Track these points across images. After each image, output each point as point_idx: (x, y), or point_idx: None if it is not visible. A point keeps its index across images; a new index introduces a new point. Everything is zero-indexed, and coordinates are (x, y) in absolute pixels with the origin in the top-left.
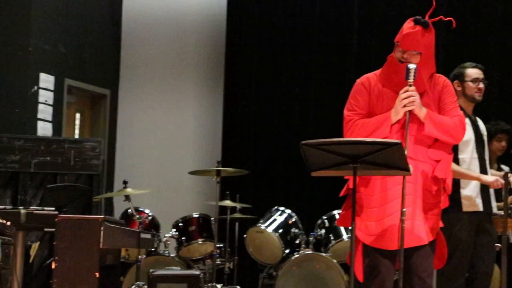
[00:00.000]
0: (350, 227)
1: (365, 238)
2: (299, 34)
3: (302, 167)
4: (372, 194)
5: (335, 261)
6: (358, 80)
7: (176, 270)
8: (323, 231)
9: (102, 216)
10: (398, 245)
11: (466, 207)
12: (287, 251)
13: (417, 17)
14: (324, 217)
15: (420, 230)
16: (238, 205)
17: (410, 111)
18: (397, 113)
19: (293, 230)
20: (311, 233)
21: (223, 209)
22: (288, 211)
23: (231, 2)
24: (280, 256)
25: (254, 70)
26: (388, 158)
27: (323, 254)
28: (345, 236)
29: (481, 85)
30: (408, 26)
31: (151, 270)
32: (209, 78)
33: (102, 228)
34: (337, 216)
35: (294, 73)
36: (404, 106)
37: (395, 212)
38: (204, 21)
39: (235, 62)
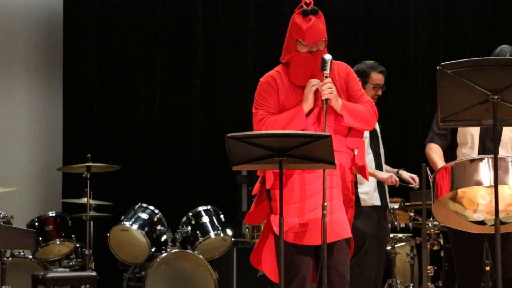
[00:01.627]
0: (258, 224)
1: (286, 235)
2: (142, 28)
3: (161, 164)
4: (292, 189)
5: (201, 257)
6: (262, 80)
7: (65, 272)
8: (189, 228)
9: None
10: (321, 240)
11: (365, 202)
12: (153, 249)
13: (304, 8)
14: (190, 214)
15: (342, 223)
16: (93, 203)
17: (327, 103)
18: (307, 103)
19: (158, 227)
20: (178, 231)
21: (79, 207)
22: (152, 207)
23: None
24: (147, 255)
25: (95, 66)
26: (316, 151)
27: (192, 252)
28: (212, 233)
29: (380, 92)
30: (301, 20)
31: (36, 273)
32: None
33: None
34: (203, 213)
35: (138, 68)
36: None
37: (317, 207)
38: (38, 14)
39: (74, 57)
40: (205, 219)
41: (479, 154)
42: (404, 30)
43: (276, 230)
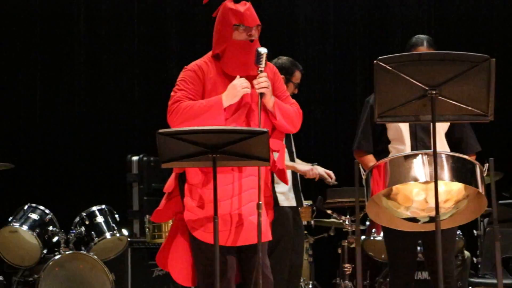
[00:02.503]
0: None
1: (204, 236)
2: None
3: (47, 162)
4: (211, 188)
5: (97, 258)
6: (187, 66)
7: None
8: (83, 228)
9: None
10: (244, 241)
11: (282, 202)
12: (45, 251)
13: None
14: (84, 214)
15: (265, 225)
16: None
17: (262, 97)
18: (233, 96)
19: (50, 228)
20: (71, 231)
21: None
22: (42, 208)
23: None
24: (38, 257)
25: None
26: (251, 148)
27: (87, 253)
28: (107, 233)
29: (297, 91)
30: (236, 5)
31: None
32: None
33: None
34: (97, 213)
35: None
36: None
37: (241, 207)
38: None
39: None
40: (100, 219)
41: (411, 146)
42: None
43: (192, 230)
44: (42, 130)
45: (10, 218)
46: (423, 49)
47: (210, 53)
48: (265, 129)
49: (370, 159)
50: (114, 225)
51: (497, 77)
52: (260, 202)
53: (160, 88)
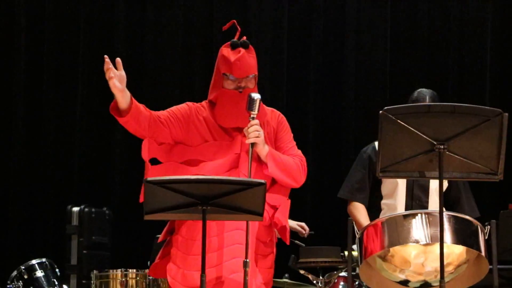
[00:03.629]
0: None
1: None
2: None
3: None
4: (195, 239)
5: None
6: (187, 103)
7: None
8: (20, 283)
9: None
10: None
11: None
12: None
13: (233, 40)
14: (22, 267)
15: (250, 285)
16: None
17: (253, 147)
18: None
19: None
20: (8, 287)
21: None
22: None
23: None
24: None
25: None
26: (245, 200)
27: None
28: None
29: None
30: (229, 52)
31: None
32: None
33: None
34: (37, 266)
35: None
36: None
37: (223, 262)
38: None
39: None
40: (39, 273)
41: (406, 203)
42: None
43: (171, 282)
44: None
45: None
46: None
47: (207, 98)
48: (262, 181)
49: (361, 210)
50: (55, 280)
51: None
52: (247, 260)
53: (105, 136)
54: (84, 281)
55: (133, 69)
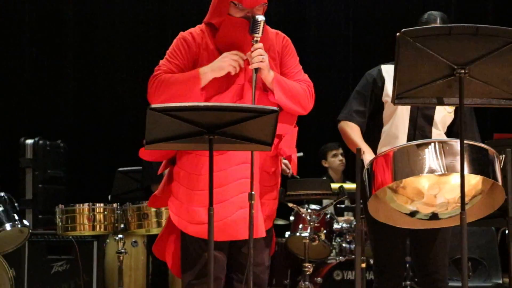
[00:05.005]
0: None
1: (187, 227)
2: None
3: None
4: (200, 173)
5: None
6: (181, 34)
7: None
8: None
9: None
10: (230, 236)
11: None
12: None
13: None
14: None
15: (256, 220)
16: None
17: (257, 72)
18: (219, 69)
19: None
20: None
21: None
22: None
23: None
24: None
25: None
26: (254, 129)
27: None
28: (7, 224)
29: None
30: None
31: None
32: None
33: None
34: None
35: None
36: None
37: (229, 198)
38: None
39: None
40: None
41: (408, 134)
42: None
43: (173, 218)
44: None
45: None
46: (437, 25)
47: (205, 19)
48: (275, 108)
49: (357, 133)
50: (15, 215)
51: None
52: (253, 193)
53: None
54: (40, 216)
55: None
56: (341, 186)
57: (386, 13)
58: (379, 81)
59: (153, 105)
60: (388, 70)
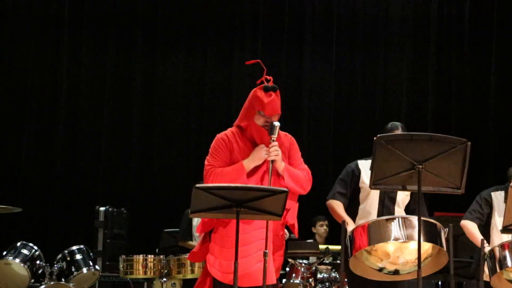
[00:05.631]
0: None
1: (218, 275)
2: (15, 79)
3: (38, 203)
4: (229, 236)
5: None
6: (218, 136)
7: None
8: (64, 263)
9: None
10: (252, 283)
11: None
12: (32, 281)
13: (265, 85)
14: (66, 251)
15: (270, 270)
16: None
17: (273, 163)
18: (258, 159)
19: (38, 262)
20: (55, 266)
21: None
22: (31, 244)
23: None
24: (26, 286)
25: None
26: (269, 204)
27: (67, 284)
28: (84, 268)
29: None
30: (263, 94)
31: None
32: None
33: None
34: (76, 251)
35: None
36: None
37: (252, 254)
38: None
39: None
40: (78, 256)
41: (378, 211)
42: None
43: (210, 269)
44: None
45: (5, 253)
46: (399, 132)
47: (236, 122)
48: (285, 189)
49: (341, 208)
50: (90, 261)
51: None
52: (266, 251)
53: (124, 151)
54: (107, 263)
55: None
56: (327, 247)
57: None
58: (357, 172)
59: (197, 185)
60: (363, 164)
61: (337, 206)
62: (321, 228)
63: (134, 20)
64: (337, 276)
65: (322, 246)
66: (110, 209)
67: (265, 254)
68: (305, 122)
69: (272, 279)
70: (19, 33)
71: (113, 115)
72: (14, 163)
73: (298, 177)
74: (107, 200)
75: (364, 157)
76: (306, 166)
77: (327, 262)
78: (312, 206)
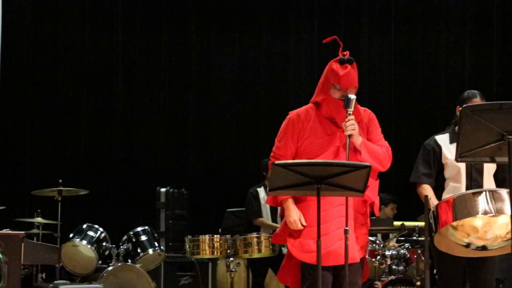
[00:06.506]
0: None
1: (300, 255)
2: (71, 65)
3: (99, 186)
4: (308, 214)
5: (142, 269)
6: (289, 115)
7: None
8: (130, 244)
9: (23, 232)
10: (334, 262)
11: None
12: (99, 262)
13: (341, 57)
14: (131, 233)
15: (352, 248)
16: (42, 221)
17: (349, 138)
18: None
19: (104, 244)
20: (121, 247)
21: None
22: (97, 226)
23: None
24: (94, 267)
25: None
26: (351, 180)
27: (134, 265)
28: (150, 249)
29: None
30: (338, 67)
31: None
32: None
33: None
34: (141, 232)
35: (65, 100)
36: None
37: (331, 232)
38: None
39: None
40: (143, 237)
41: (466, 185)
42: None
43: (291, 249)
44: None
45: (71, 235)
46: (478, 100)
47: (312, 98)
48: (368, 164)
49: (429, 190)
50: (155, 242)
51: None
52: (347, 228)
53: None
54: (170, 244)
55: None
56: (402, 224)
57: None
58: (437, 148)
59: (276, 162)
60: (442, 139)
61: (425, 191)
62: (391, 211)
63: (186, 5)
64: (406, 253)
65: (397, 223)
66: (170, 190)
67: (345, 232)
68: (365, 99)
69: (354, 257)
70: (75, 23)
71: (169, 97)
72: (74, 147)
73: (376, 152)
74: (167, 181)
75: (439, 132)
76: (386, 143)
77: (402, 239)
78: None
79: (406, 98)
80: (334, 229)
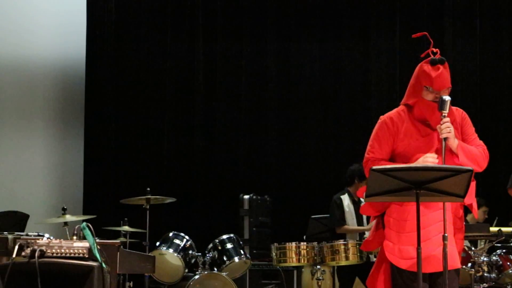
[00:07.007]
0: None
1: (400, 262)
2: (153, 75)
3: (183, 194)
4: (406, 219)
5: (229, 278)
6: (382, 118)
7: None
8: (215, 252)
9: (119, 241)
10: (434, 268)
11: None
12: (186, 270)
13: (432, 58)
14: (216, 241)
15: (452, 255)
16: (129, 230)
17: (445, 141)
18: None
19: (190, 252)
20: (207, 255)
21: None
22: (183, 234)
23: (90, 47)
24: (181, 276)
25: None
26: (451, 185)
27: (221, 273)
28: (236, 257)
29: None
30: (430, 68)
31: None
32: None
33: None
34: (227, 240)
35: (149, 109)
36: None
37: (432, 237)
38: (59, 70)
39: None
40: (229, 245)
41: None
42: None
43: (388, 256)
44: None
45: (158, 243)
46: None
47: (403, 101)
48: (469, 168)
49: None
50: (240, 250)
51: None
52: (446, 234)
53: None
54: (254, 251)
55: None
56: (500, 229)
57: None
58: None
59: (374, 167)
60: None
61: None
62: (482, 214)
63: (266, 9)
64: (499, 260)
65: (493, 229)
66: (254, 197)
67: (444, 238)
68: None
69: (455, 263)
70: (157, 24)
71: (250, 102)
72: (157, 156)
73: (473, 154)
74: (249, 188)
75: None
76: (481, 142)
77: (499, 245)
78: None
79: (493, 98)
80: (433, 234)
